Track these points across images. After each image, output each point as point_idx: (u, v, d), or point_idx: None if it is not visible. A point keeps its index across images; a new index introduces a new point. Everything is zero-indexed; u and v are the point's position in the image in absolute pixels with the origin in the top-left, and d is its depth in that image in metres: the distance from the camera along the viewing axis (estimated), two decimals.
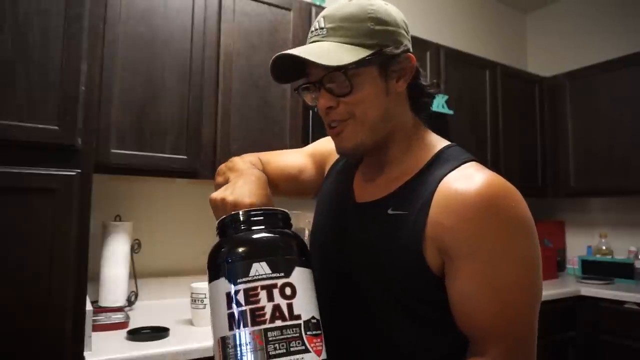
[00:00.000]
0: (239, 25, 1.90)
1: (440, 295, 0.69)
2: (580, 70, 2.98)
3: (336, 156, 0.95)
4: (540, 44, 3.67)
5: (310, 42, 0.75)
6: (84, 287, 1.25)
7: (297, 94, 0.81)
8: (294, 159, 0.98)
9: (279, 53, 0.73)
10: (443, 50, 2.60)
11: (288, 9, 2.02)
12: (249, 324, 0.57)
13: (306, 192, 0.99)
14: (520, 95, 3.01)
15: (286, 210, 0.68)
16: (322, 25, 0.73)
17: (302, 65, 0.75)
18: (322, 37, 0.72)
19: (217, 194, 0.74)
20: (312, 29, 0.75)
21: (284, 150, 1.02)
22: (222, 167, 0.90)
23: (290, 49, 0.74)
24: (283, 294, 0.59)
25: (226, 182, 0.81)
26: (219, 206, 0.73)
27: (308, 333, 0.58)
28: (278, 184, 0.93)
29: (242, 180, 0.76)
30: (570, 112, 3.00)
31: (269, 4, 1.98)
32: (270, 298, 0.58)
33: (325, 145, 0.99)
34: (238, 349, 0.57)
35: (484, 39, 3.43)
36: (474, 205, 0.66)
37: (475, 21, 3.41)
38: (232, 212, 0.66)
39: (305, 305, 0.60)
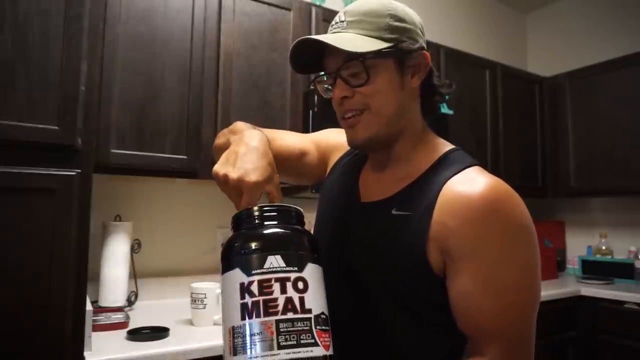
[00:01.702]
0: (239, 25, 1.90)
1: (443, 297, 0.69)
2: (580, 70, 2.98)
3: (341, 152, 0.95)
4: (541, 44, 3.66)
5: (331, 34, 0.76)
6: (84, 287, 1.25)
7: (312, 86, 0.82)
8: (298, 141, 0.96)
9: (300, 38, 0.73)
10: (443, 50, 2.60)
11: (288, 9, 2.02)
12: (262, 315, 0.58)
13: (304, 176, 0.98)
14: (520, 95, 3.01)
15: (300, 208, 0.69)
16: (343, 18, 0.74)
17: (320, 58, 0.76)
18: (343, 28, 0.74)
19: (220, 169, 0.68)
20: (333, 22, 0.77)
21: (290, 132, 1.00)
22: (224, 130, 0.88)
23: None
24: (296, 288, 0.60)
25: (226, 145, 0.76)
26: (222, 182, 0.68)
27: (318, 327, 0.59)
28: (277, 161, 0.89)
29: (244, 148, 0.70)
30: (570, 112, 3.00)
31: (269, 4, 1.98)
32: (283, 290, 0.59)
33: (331, 138, 0.98)
34: (249, 338, 0.58)
35: (484, 39, 3.43)
36: (478, 208, 0.67)
37: (475, 21, 3.41)
38: (247, 208, 0.67)
39: (316, 301, 0.61)
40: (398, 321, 0.73)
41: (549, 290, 2.42)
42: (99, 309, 1.56)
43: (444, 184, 0.71)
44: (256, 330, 0.58)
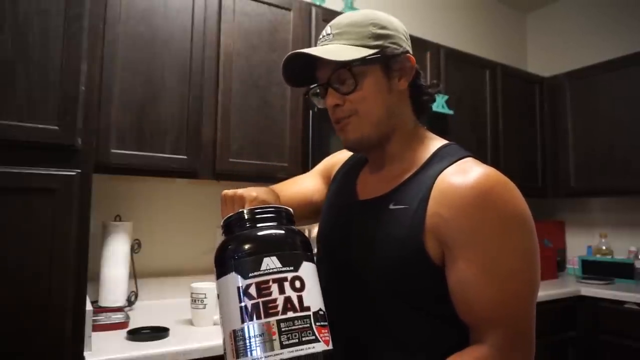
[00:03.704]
0: (239, 25, 1.90)
1: (443, 288, 0.70)
2: (580, 70, 2.98)
3: (341, 163, 0.99)
4: (540, 44, 3.67)
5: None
6: (84, 287, 1.25)
7: (307, 99, 0.86)
8: (306, 184, 1.01)
9: (290, 53, 0.78)
10: (443, 50, 2.60)
11: (288, 9, 2.02)
12: (262, 316, 0.59)
13: (320, 214, 1.00)
14: (520, 95, 3.01)
15: (289, 208, 0.71)
16: (329, 31, 0.79)
17: (312, 71, 0.81)
18: (329, 41, 0.78)
19: (229, 190, 0.79)
20: (320, 36, 0.81)
21: (295, 178, 1.06)
22: None
23: (290, 49, 0.77)
24: (293, 287, 0.61)
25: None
26: (228, 198, 0.78)
27: (317, 324, 0.60)
28: (295, 208, 0.95)
29: (252, 187, 0.82)
30: (570, 112, 3.00)
31: (269, 4, 1.98)
32: (282, 290, 0.60)
33: (330, 160, 1.04)
34: (251, 340, 0.58)
35: (484, 39, 3.43)
36: (470, 197, 0.68)
37: (475, 21, 3.41)
38: (237, 211, 0.68)
39: (314, 298, 0.62)
40: (402, 315, 0.73)
41: (549, 290, 2.42)
42: (99, 309, 1.56)
43: (438, 175, 0.73)
44: (257, 331, 0.58)
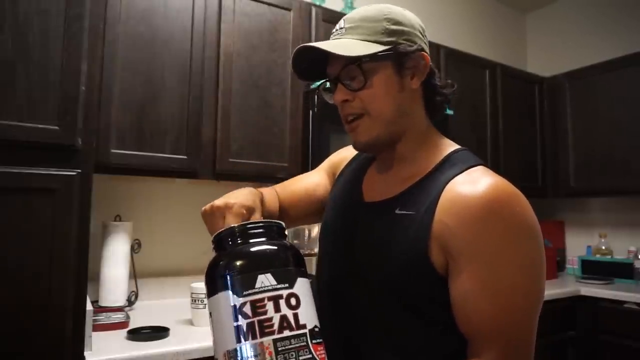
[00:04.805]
0: (239, 25, 1.90)
1: (445, 295, 0.69)
2: (580, 70, 2.98)
3: (347, 161, 0.97)
4: (540, 44, 3.67)
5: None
6: (84, 287, 1.25)
7: (318, 94, 0.85)
8: (309, 180, 1.00)
9: (300, 46, 0.75)
10: (443, 50, 2.60)
11: (288, 9, 2.02)
12: (258, 335, 0.57)
13: (323, 209, 0.98)
14: (520, 95, 3.01)
15: (281, 222, 0.69)
16: (342, 25, 0.77)
17: (323, 65, 0.79)
18: (342, 35, 0.76)
19: (208, 204, 0.75)
20: (333, 30, 0.79)
21: (299, 176, 1.04)
22: None
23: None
24: (289, 304, 0.59)
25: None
26: (207, 213, 0.74)
27: (313, 341, 0.59)
28: (292, 207, 0.93)
29: (232, 191, 0.78)
30: (570, 112, 3.00)
31: (269, 4, 1.98)
32: (277, 309, 0.58)
33: (334, 157, 1.02)
34: None
35: (484, 39, 3.43)
36: (477, 207, 0.67)
37: (475, 21, 3.41)
38: (229, 226, 0.66)
39: (309, 315, 0.60)
40: (403, 320, 0.73)
41: (549, 290, 2.41)
42: (99, 309, 1.56)
43: (447, 183, 0.71)
44: (252, 352, 0.57)
